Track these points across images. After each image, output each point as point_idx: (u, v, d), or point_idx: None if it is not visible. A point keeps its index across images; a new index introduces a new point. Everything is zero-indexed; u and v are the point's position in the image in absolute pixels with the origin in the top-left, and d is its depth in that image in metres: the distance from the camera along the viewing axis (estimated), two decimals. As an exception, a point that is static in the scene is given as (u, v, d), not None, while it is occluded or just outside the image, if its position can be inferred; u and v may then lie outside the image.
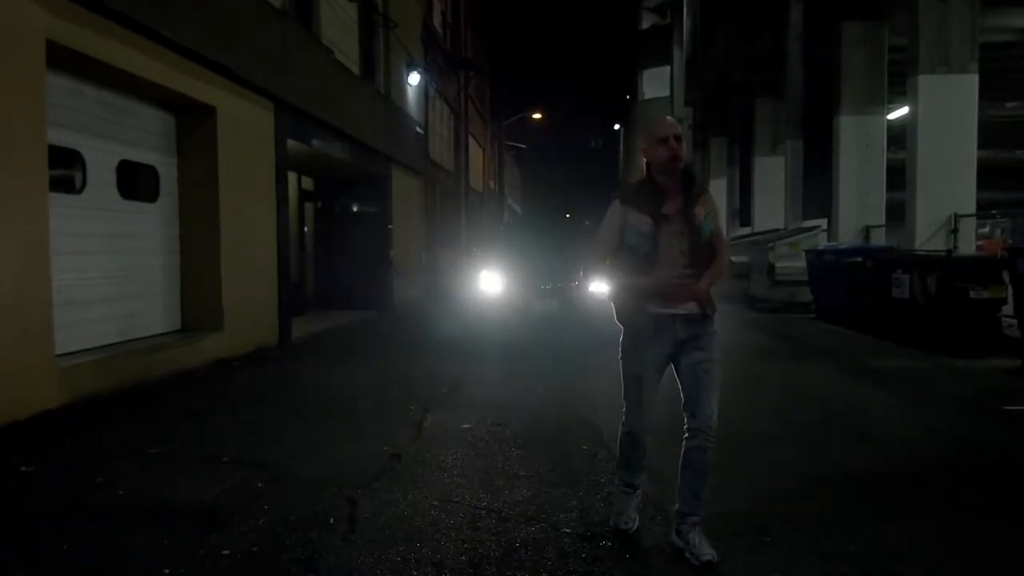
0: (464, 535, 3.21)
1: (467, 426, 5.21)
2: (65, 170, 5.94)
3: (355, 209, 14.66)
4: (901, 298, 9.09)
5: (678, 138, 2.92)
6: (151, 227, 7.13)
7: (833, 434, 5.00)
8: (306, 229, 14.07)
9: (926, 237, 10.50)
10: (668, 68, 34.74)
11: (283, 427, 5.16)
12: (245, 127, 8.15)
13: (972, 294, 8.13)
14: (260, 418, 5.41)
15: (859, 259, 10.34)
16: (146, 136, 7.03)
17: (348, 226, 14.42)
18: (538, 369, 7.41)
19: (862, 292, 10.18)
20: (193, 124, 7.48)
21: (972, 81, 10.38)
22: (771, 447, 4.67)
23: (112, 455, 4.33)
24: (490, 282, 8.85)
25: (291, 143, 9.53)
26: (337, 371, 7.50)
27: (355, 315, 12.84)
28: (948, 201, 10.39)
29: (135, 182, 6.89)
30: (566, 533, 3.26)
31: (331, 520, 3.37)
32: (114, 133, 6.52)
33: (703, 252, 2.96)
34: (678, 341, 2.99)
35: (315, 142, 10.52)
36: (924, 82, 10.40)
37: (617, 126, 50.59)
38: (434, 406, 5.83)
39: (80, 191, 6.12)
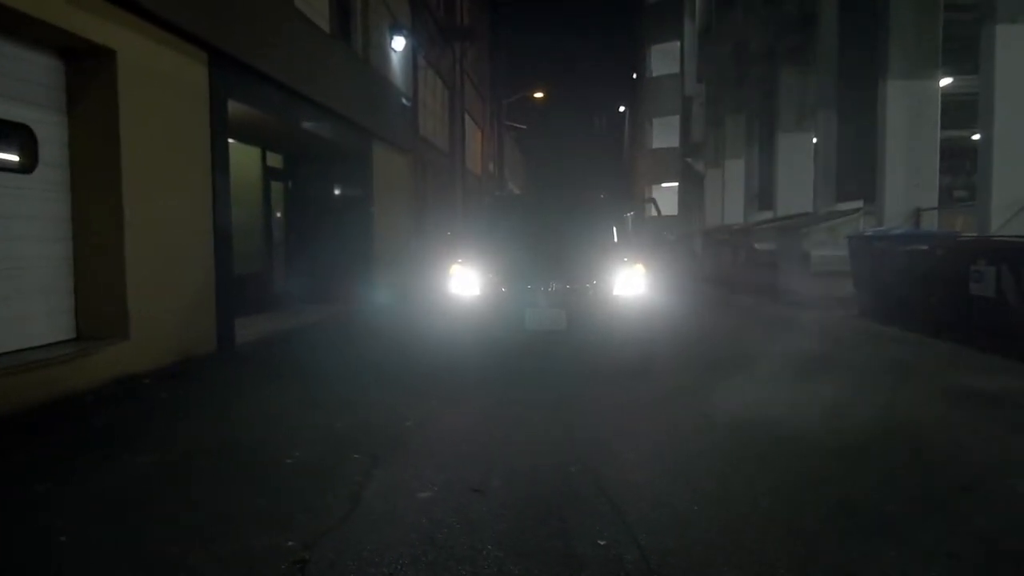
0: None
1: (427, 495, 3.53)
2: None
3: (332, 190, 12.93)
4: (983, 295, 7.38)
5: None
6: (27, 206, 5.41)
7: (1006, 524, 3.23)
8: (278, 214, 12.37)
9: (1002, 222, 8.77)
10: (678, 43, 32.77)
11: (151, 498, 3.48)
12: (163, 80, 6.42)
13: (1086, 292, 6.43)
14: (126, 481, 3.71)
15: (924, 247, 8.60)
16: (16, 85, 5.31)
17: (324, 210, 12.70)
18: (536, 401, 5.46)
19: (927, 287, 8.45)
20: (87, 73, 5.75)
21: (1062, 32, 8.61)
22: (913, 537, 2.97)
23: None
24: (464, 281, 6.32)
25: (236, 105, 7.81)
26: (276, 392, 5.80)
27: (328, 311, 11.20)
28: (1030, 178, 8.65)
29: (-2, 145, 5.18)
30: None
31: None
32: (-42, 78, 4.82)
33: None
34: None
35: (269, 106, 8.80)
36: (1002, 33, 8.62)
37: (622, 108, 48.63)
38: (387, 454, 4.16)
39: None
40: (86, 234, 5.82)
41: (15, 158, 5.31)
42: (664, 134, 35.57)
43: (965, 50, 12.62)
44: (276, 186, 12.15)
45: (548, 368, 6.41)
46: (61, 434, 4.48)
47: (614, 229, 7.52)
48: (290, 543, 2.96)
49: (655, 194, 34.85)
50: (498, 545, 2.97)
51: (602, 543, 3.00)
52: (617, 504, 3.39)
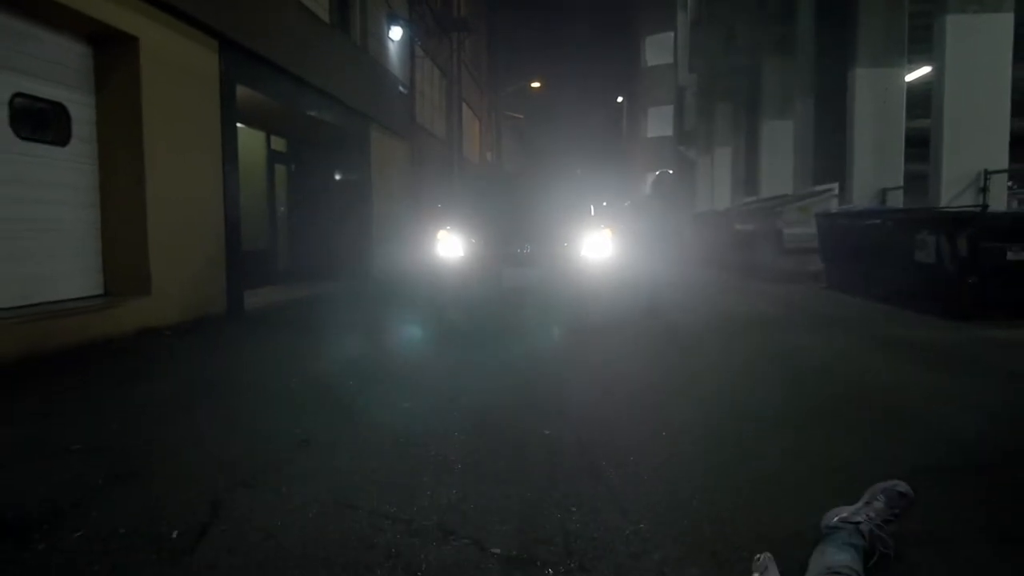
0: (353, 558, 2.27)
1: (408, 404, 4.27)
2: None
3: (332, 173, 13.66)
4: (925, 262, 8.08)
5: None
6: (61, 175, 6.14)
7: (879, 421, 3.95)
8: (282, 197, 13.08)
9: (951, 196, 9.47)
10: (672, 34, 33.40)
11: (177, 407, 4.21)
12: (179, 65, 7.14)
13: (1010, 255, 7.15)
14: (155, 397, 4.45)
15: (876, 220, 9.31)
16: (53, 68, 6.03)
17: (325, 191, 13.43)
18: (507, 341, 6.34)
19: (880, 257, 9.16)
20: (113, 57, 6.47)
21: (1007, 21, 9.28)
22: (805, 432, 3.70)
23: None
24: (449, 245, 6.99)
25: (243, 90, 8.51)
26: (281, 343, 6.53)
27: (329, 286, 11.91)
28: (977, 156, 9.34)
29: (37, 120, 5.89)
30: (494, 555, 2.31)
31: (173, 534, 2.44)
32: (6, 61, 5.52)
33: None
34: None
35: (273, 91, 9.50)
36: (953, 22, 9.30)
37: (620, 98, 49.20)
38: (376, 383, 4.89)
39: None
40: (112, 202, 6.55)
41: (53, 132, 6.04)
42: (659, 123, 36.21)
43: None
44: (280, 168, 12.88)
45: (520, 317, 7.16)
46: (96, 367, 5.21)
47: (590, 205, 8.19)
48: (296, 430, 3.69)
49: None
50: (464, 432, 3.70)
51: (547, 432, 3.73)
52: (563, 409, 4.12)
